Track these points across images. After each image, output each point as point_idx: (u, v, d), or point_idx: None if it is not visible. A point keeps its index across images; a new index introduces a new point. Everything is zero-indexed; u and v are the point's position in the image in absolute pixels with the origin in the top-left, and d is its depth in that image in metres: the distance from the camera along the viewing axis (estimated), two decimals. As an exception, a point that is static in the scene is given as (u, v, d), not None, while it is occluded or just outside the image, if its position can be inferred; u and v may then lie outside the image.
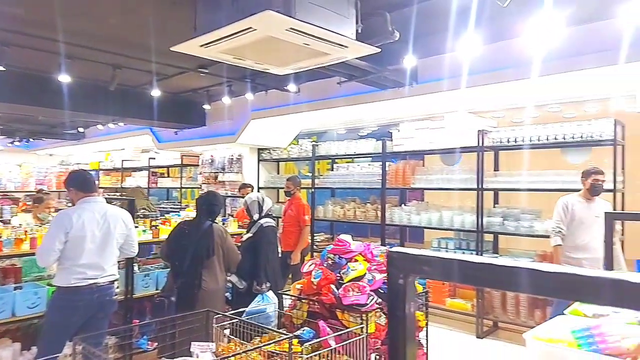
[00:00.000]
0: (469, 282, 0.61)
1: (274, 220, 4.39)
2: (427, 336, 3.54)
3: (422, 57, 4.72)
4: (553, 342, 1.02)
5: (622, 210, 4.72)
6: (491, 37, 4.20)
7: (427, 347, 3.31)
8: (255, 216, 4.23)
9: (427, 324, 3.55)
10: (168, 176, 11.24)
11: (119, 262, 3.72)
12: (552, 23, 3.19)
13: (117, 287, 3.57)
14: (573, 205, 4.32)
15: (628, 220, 4.28)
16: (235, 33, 2.95)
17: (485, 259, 0.55)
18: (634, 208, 4.93)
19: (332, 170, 7.57)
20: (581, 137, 4.73)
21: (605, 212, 1.93)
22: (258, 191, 7.80)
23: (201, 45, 3.21)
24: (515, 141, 5.19)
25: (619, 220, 4.70)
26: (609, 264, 2.01)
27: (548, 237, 4.54)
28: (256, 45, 3.24)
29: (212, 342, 2.55)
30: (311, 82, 5.87)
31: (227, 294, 4.20)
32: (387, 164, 6.44)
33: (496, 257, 5.41)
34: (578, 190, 4.41)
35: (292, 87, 5.51)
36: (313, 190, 7.28)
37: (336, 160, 7.70)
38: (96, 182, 9.26)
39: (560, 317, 1.24)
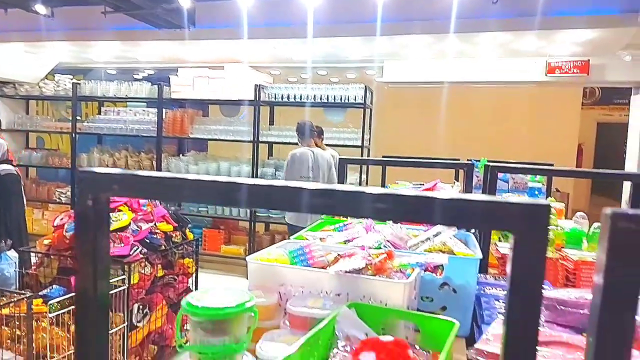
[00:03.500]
0: (159, 197, 0.62)
1: (15, 167, 3.68)
2: (196, 281, 3.64)
3: (199, 0, 4.52)
4: (269, 261, 1.16)
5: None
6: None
7: (195, 292, 3.40)
8: (-12, 162, 3.48)
9: (197, 270, 3.64)
10: None
11: None
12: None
13: None
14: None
15: (360, 164, 5.31)
16: None
17: (175, 175, 0.56)
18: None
19: (100, 114, 6.73)
20: (340, 99, 5.41)
21: (340, 158, 2.29)
22: (-2, 134, 6.36)
23: None
24: (288, 98, 5.59)
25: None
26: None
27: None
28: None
29: None
30: (69, 7, 4.95)
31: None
32: (165, 111, 6.09)
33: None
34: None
35: (41, 8, 4.53)
36: (75, 135, 6.36)
37: (106, 104, 6.85)
38: None
39: (285, 241, 1.42)
